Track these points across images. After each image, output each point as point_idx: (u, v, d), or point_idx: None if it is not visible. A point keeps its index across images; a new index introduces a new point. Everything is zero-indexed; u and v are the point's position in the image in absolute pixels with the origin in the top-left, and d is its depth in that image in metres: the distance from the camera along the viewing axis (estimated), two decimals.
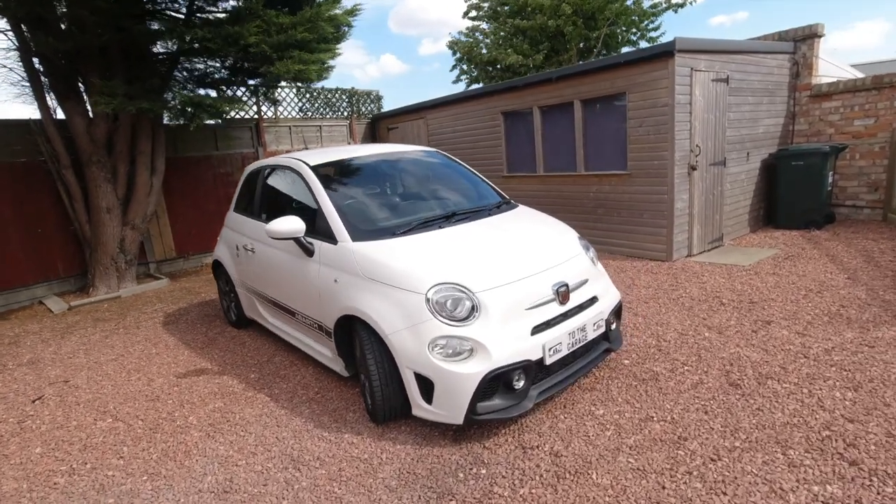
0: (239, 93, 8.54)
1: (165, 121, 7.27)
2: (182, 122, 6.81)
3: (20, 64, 6.13)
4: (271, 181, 4.06)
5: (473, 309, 2.50)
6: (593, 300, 2.96)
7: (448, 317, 2.46)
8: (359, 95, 10.44)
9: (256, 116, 8.94)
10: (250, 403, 3.25)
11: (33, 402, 3.63)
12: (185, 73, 7.45)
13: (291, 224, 3.03)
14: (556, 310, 2.72)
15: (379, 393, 2.67)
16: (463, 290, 2.52)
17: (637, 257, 6.06)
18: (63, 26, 5.80)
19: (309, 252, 3.16)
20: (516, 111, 7.34)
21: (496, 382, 2.49)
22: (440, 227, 3.12)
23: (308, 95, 9.67)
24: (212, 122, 8.19)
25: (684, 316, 4.02)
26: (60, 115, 6.39)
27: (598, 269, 3.19)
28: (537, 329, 2.62)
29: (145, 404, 3.41)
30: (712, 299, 4.34)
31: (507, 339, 2.50)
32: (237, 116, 8.71)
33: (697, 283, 4.85)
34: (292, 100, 9.48)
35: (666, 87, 5.31)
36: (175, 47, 6.66)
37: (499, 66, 13.06)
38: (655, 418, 2.62)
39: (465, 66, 14.05)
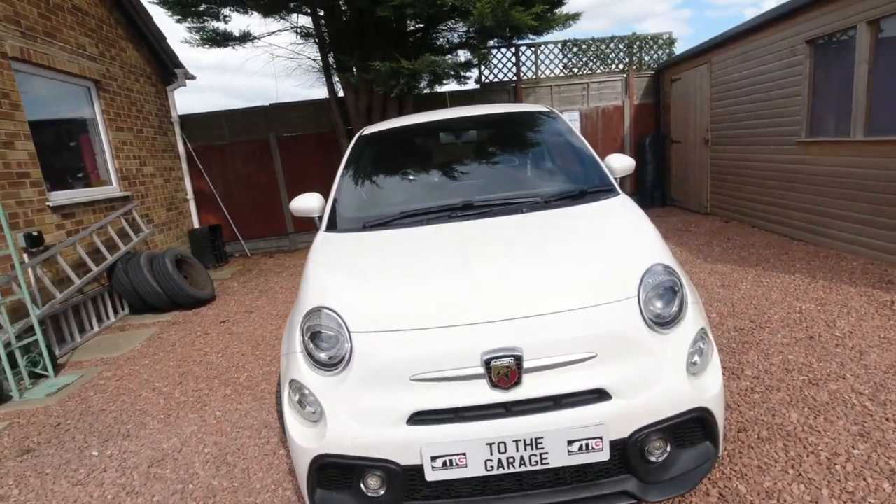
0: (498, 55, 8.41)
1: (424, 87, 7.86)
2: (428, 88, 7.22)
3: (317, 53, 7.67)
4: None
5: (349, 354, 1.67)
6: (595, 396, 1.56)
7: (315, 358, 1.74)
8: (641, 42, 8.67)
9: (515, 78, 8.63)
10: None
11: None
12: (435, 41, 7.78)
13: (304, 201, 2.71)
14: (479, 394, 1.56)
15: None
16: (340, 323, 1.72)
17: None
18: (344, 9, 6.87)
19: None
20: (828, 37, 4.57)
21: (346, 475, 1.64)
22: (427, 223, 2.22)
23: (575, 49, 8.64)
24: (466, 86, 8.40)
25: None
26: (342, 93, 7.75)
27: (667, 338, 1.66)
28: (419, 418, 1.57)
29: None
30: None
31: (365, 416, 1.59)
32: (495, 80, 8.63)
33: None
34: (556, 56, 8.68)
35: None
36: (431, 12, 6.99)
37: None
38: None
39: None
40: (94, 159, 5.95)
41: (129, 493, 2.29)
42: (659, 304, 1.71)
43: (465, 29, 7.52)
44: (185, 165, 7.94)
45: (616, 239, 1.97)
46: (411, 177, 2.82)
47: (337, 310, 1.75)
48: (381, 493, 1.61)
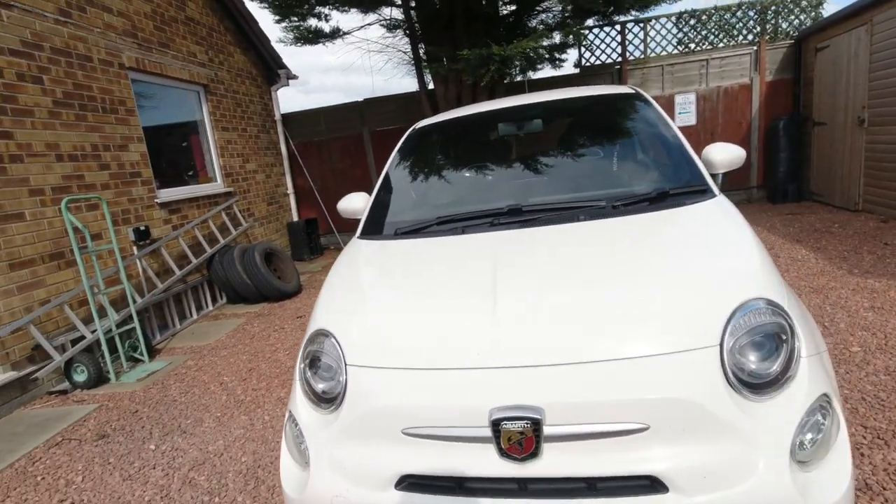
0: (602, 36, 7.66)
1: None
2: (521, 74, 6.80)
3: (407, 45, 7.57)
4: None
5: (343, 390, 1.42)
6: (645, 486, 1.13)
7: (312, 388, 1.51)
8: (778, 6, 7.33)
9: (620, 59, 7.80)
10: None
11: None
12: (528, 24, 7.26)
13: (351, 202, 2.50)
14: (485, 462, 1.21)
15: None
16: (339, 352, 1.46)
17: None
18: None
19: None
20: None
21: None
22: (464, 232, 1.88)
23: (693, 21, 7.57)
24: (563, 71, 7.80)
25: None
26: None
27: (763, 408, 1.17)
28: (411, 482, 1.25)
29: None
30: None
31: (350, 470, 1.33)
32: (596, 62, 7.89)
33: None
34: (668, 32, 7.67)
35: None
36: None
37: None
38: None
39: None
40: (201, 158, 6.43)
41: (163, 497, 2.28)
42: (753, 359, 1.22)
43: (559, 8, 6.92)
44: (286, 162, 8.35)
45: (700, 260, 1.47)
46: (459, 176, 2.48)
47: (337, 336, 1.49)
48: None
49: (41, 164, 3.93)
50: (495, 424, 1.17)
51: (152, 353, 4.35)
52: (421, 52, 7.28)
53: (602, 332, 1.25)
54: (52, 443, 2.96)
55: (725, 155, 2.08)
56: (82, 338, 3.85)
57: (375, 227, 2.20)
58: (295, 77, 8.47)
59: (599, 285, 1.40)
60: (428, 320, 1.45)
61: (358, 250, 2.04)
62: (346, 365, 1.42)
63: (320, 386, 1.48)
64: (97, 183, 4.45)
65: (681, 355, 1.19)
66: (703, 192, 1.85)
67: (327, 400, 1.44)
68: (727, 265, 1.44)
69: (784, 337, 1.23)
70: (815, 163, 7.13)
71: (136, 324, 4.12)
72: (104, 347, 3.81)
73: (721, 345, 1.20)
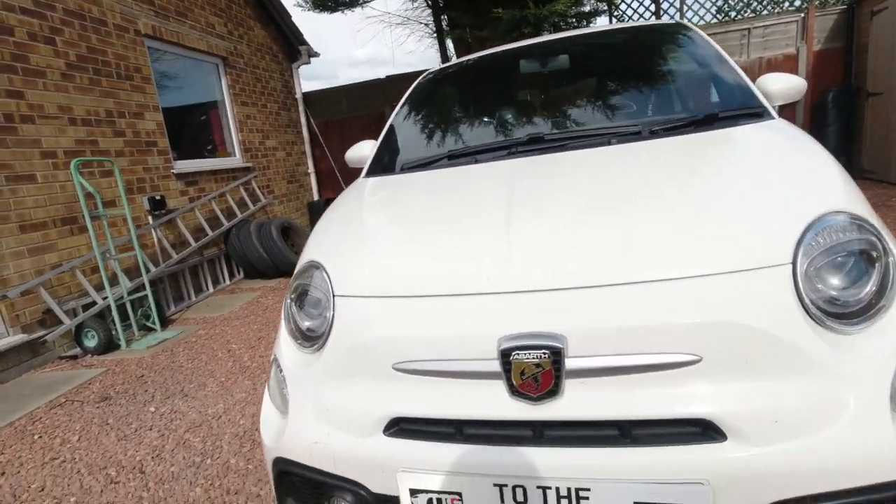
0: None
1: None
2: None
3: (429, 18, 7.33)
4: None
5: (330, 325, 1.21)
6: (695, 433, 0.89)
7: (297, 326, 1.30)
8: None
9: None
10: None
11: None
12: None
13: (359, 150, 2.29)
14: (492, 403, 0.98)
15: None
16: (328, 284, 1.25)
17: None
18: None
19: None
20: None
21: (315, 490, 1.19)
22: (477, 162, 1.64)
23: None
24: None
25: None
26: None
27: (850, 342, 0.91)
28: (403, 427, 1.04)
29: None
30: None
31: (333, 414, 1.12)
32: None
33: None
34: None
35: None
36: None
37: None
38: None
39: None
40: (220, 132, 6.34)
41: (154, 457, 2.14)
42: (836, 282, 0.95)
43: None
44: (307, 141, 8.24)
45: (761, 173, 1.20)
46: (474, 116, 2.24)
47: (328, 267, 1.28)
48: None
49: (53, 127, 3.86)
50: (505, 355, 0.94)
51: (165, 323, 4.26)
52: (443, 23, 7.03)
53: (641, 251, 1.00)
54: (54, 403, 2.87)
55: (782, 84, 1.78)
56: (94, 304, 3.78)
57: (380, 165, 1.99)
58: (317, 54, 8.33)
59: (636, 202, 1.14)
60: (428, 245, 1.23)
61: (358, 186, 1.83)
62: (333, 296, 1.21)
63: (306, 323, 1.28)
64: (111, 149, 4.37)
65: (743, 275, 0.93)
66: (758, 116, 1.57)
67: (313, 338, 1.24)
68: (797, 178, 1.16)
69: (875, 255, 0.97)
70: (867, 137, 6.59)
71: (148, 292, 4.03)
72: (115, 314, 3.73)
73: (794, 264, 0.94)
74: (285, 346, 1.31)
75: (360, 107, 8.47)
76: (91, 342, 3.65)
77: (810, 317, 0.91)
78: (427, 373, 1.02)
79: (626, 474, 0.88)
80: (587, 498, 0.90)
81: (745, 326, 0.89)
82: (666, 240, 1.01)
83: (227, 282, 5.64)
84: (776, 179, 1.15)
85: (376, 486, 1.04)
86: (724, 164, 1.28)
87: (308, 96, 8.35)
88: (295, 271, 1.40)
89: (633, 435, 0.91)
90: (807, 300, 0.92)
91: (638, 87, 2.00)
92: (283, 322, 1.38)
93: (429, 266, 1.14)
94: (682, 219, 1.05)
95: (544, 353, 0.92)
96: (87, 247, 3.94)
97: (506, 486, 0.94)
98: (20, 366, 3.43)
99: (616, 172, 1.32)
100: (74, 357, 3.67)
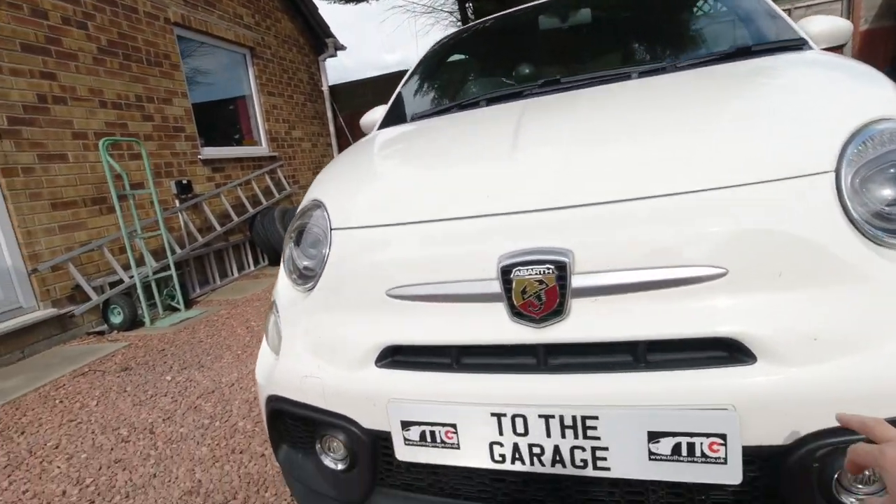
0: None
1: None
2: None
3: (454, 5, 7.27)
4: None
5: (325, 260, 1.14)
6: (720, 355, 0.78)
7: (295, 266, 1.24)
8: None
9: None
10: None
11: None
12: None
13: (373, 115, 2.23)
14: (490, 327, 0.89)
15: None
16: (327, 221, 1.18)
17: None
18: None
19: None
20: None
21: (309, 432, 1.12)
22: (487, 105, 1.56)
23: None
24: None
25: None
26: None
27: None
28: (396, 359, 0.96)
29: None
30: None
31: (324, 347, 1.05)
32: None
33: None
34: None
35: None
36: None
37: None
38: None
39: None
40: (247, 121, 6.43)
41: (165, 419, 2.13)
42: (887, 192, 0.83)
43: None
44: (333, 132, 8.29)
45: (798, 89, 1.07)
46: (491, 72, 2.15)
47: (328, 204, 1.22)
48: (342, 466, 1.05)
49: (84, 109, 3.96)
50: (505, 273, 0.85)
51: (189, 303, 4.32)
52: (468, 11, 6.96)
53: (661, 166, 0.89)
54: (78, 373, 2.92)
55: (825, 25, 1.63)
56: (121, 282, 3.85)
57: (391, 119, 1.93)
58: (343, 47, 8.39)
59: (656, 121, 1.03)
60: (428, 174, 1.15)
61: (367, 137, 1.77)
62: (331, 230, 1.14)
63: (304, 262, 1.21)
64: (140, 133, 4.46)
65: (779, 184, 0.81)
66: (797, 49, 1.43)
67: (309, 277, 1.17)
68: (841, 88, 1.04)
69: None
70: None
71: (172, 273, 4.09)
72: (140, 293, 3.79)
73: (837, 172, 0.82)
74: (282, 287, 1.25)
75: (385, 99, 8.44)
76: (117, 318, 3.72)
77: (857, 228, 0.79)
78: (421, 297, 0.94)
79: (638, 400, 0.78)
80: (594, 427, 0.80)
81: (780, 233, 0.77)
82: (690, 153, 0.90)
83: (252, 268, 5.70)
84: (817, 91, 1.03)
85: (368, 422, 0.97)
86: (757, 83, 1.16)
87: (334, 89, 8.41)
88: (303, 204, 1.34)
89: (648, 360, 0.81)
90: (853, 212, 0.80)
91: (665, 37, 1.87)
92: (281, 265, 1.32)
93: (427, 193, 1.06)
94: (709, 133, 0.94)
95: (548, 269, 0.83)
96: (115, 227, 4.02)
97: (504, 415, 0.85)
98: (49, 339, 3.52)
99: (636, 98, 1.21)
100: (101, 333, 3.74)
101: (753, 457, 0.76)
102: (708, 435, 0.75)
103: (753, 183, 0.82)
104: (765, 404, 0.73)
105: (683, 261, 0.79)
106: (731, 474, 0.75)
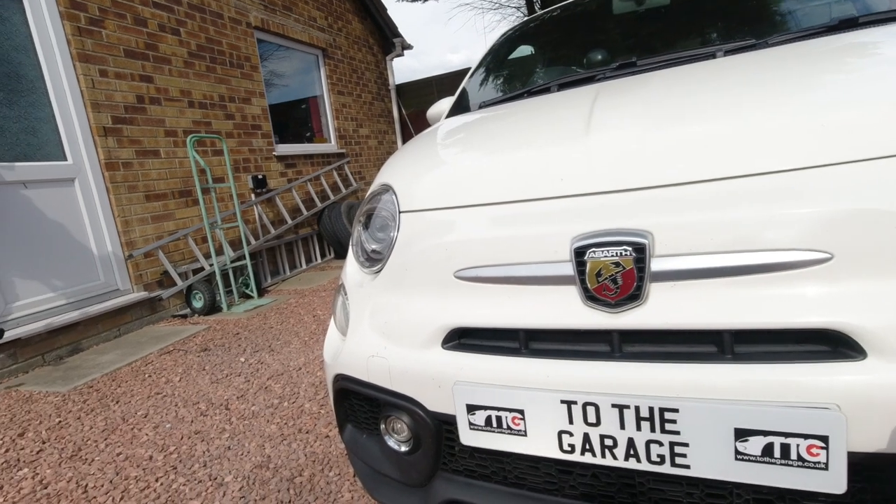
0: None
1: None
2: None
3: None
4: None
5: (393, 243, 1.16)
6: (823, 349, 0.70)
7: (364, 249, 1.28)
8: None
9: None
10: None
11: None
12: None
13: (440, 105, 2.26)
14: (562, 311, 0.86)
15: None
16: (395, 204, 1.20)
17: None
18: None
19: None
20: None
21: (374, 413, 1.14)
22: (559, 90, 1.51)
23: None
24: None
25: None
26: None
27: None
28: (463, 342, 0.95)
29: None
30: None
31: (391, 327, 1.06)
32: None
33: None
34: None
35: None
36: None
37: None
38: None
39: None
40: (318, 119, 6.69)
41: (239, 398, 2.25)
42: None
43: None
44: (398, 130, 8.45)
45: None
46: (561, 59, 2.09)
47: (396, 188, 1.23)
48: (405, 448, 1.06)
49: (176, 109, 4.29)
50: (579, 254, 0.82)
51: (262, 292, 4.56)
52: (536, 6, 6.85)
53: (752, 144, 0.82)
54: (164, 351, 3.16)
55: None
56: (202, 269, 4.13)
57: (459, 108, 1.93)
58: (410, 47, 8.52)
59: (741, 98, 0.95)
60: (500, 156, 1.13)
61: (434, 128, 1.78)
62: (399, 213, 1.15)
63: (372, 246, 1.23)
64: (222, 130, 4.77)
65: (878, 162, 0.72)
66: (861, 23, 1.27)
67: (377, 260, 1.19)
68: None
69: None
70: None
71: (247, 262, 4.34)
72: (219, 280, 4.05)
73: None
74: (350, 270, 1.28)
75: (450, 96, 8.53)
76: (198, 303, 4.00)
77: None
78: (490, 279, 0.93)
79: (724, 394, 0.72)
80: (674, 421, 0.75)
81: (894, 215, 0.69)
82: (785, 130, 0.82)
83: (319, 260, 5.93)
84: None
85: (433, 404, 0.97)
86: (866, 55, 1.04)
87: (400, 87, 8.57)
88: (371, 191, 1.37)
89: (737, 352, 0.74)
90: None
91: (755, 13, 1.73)
92: (350, 248, 1.35)
93: (496, 175, 1.04)
94: (811, 107, 0.85)
95: (625, 250, 0.78)
96: (199, 218, 4.32)
97: (575, 403, 0.81)
98: (140, 319, 3.84)
99: (720, 76, 1.13)
100: (184, 316, 4.04)
101: (860, 464, 0.68)
102: (807, 436, 0.68)
103: (863, 160, 0.73)
104: (876, 406, 0.65)
105: (776, 244, 0.73)
106: (834, 482, 0.68)
